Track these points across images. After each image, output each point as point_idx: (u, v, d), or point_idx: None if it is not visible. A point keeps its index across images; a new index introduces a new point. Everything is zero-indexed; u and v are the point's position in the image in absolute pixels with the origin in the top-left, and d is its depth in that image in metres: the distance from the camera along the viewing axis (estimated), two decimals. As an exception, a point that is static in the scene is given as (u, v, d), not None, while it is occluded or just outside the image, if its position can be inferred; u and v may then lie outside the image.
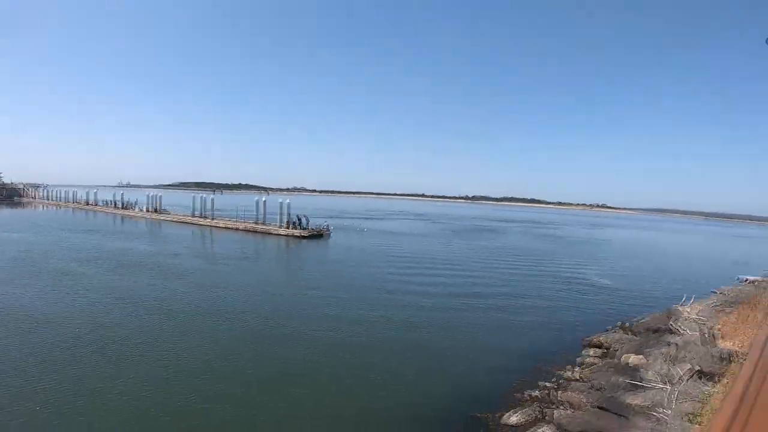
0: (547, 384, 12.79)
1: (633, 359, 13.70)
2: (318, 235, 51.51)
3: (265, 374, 13.53)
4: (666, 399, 10.45)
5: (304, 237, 49.82)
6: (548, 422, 10.36)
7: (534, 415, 10.92)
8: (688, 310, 19.68)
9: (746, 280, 32.52)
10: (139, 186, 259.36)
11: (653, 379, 11.94)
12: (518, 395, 12.24)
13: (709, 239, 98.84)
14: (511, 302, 24.18)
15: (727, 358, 13.04)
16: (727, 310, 19.77)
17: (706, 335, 15.59)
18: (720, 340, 15.13)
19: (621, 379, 12.20)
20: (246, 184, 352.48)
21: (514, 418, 10.84)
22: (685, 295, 20.03)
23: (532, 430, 10.10)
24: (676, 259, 52.54)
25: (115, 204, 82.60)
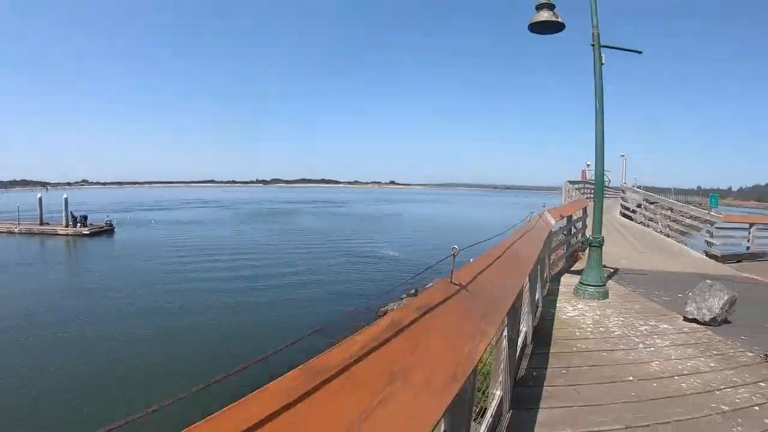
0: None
1: (421, 322, 14.92)
2: (102, 232, 47.27)
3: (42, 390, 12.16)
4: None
5: (86, 235, 45.07)
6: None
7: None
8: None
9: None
10: None
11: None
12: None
13: (494, 207, 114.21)
14: (307, 282, 24.84)
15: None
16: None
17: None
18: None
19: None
20: (22, 180, 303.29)
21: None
22: (471, 259, 22.64)
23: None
24: (464, 226, 59.59)
25: None
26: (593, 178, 10.53)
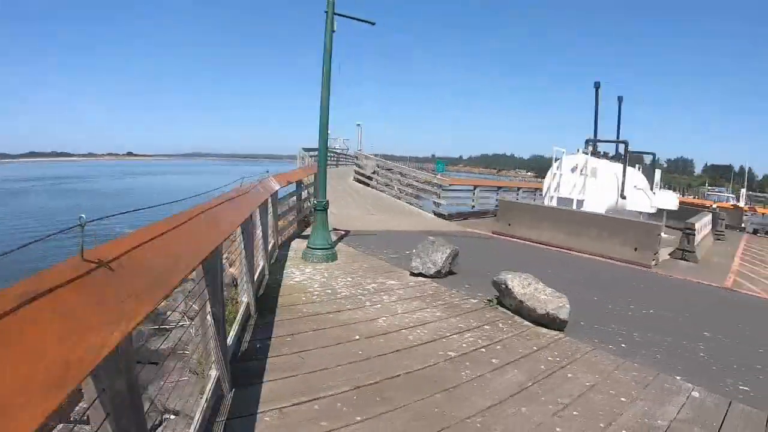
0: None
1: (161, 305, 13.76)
2: None
3: None
4: (188, 335, 10.93)
5: None
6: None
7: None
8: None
9: None
10: None
11: (177, 318, 12.31)
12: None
13: (233, 175, 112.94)
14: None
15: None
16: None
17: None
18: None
19: (147, 327, 12.06)
20: None
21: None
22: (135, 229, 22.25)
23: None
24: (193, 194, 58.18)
25: None
26: (336, 147, 10.76)
